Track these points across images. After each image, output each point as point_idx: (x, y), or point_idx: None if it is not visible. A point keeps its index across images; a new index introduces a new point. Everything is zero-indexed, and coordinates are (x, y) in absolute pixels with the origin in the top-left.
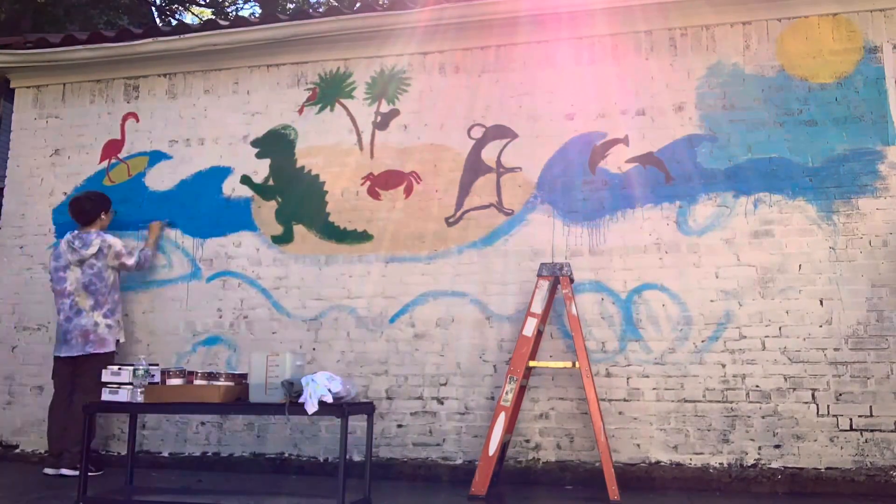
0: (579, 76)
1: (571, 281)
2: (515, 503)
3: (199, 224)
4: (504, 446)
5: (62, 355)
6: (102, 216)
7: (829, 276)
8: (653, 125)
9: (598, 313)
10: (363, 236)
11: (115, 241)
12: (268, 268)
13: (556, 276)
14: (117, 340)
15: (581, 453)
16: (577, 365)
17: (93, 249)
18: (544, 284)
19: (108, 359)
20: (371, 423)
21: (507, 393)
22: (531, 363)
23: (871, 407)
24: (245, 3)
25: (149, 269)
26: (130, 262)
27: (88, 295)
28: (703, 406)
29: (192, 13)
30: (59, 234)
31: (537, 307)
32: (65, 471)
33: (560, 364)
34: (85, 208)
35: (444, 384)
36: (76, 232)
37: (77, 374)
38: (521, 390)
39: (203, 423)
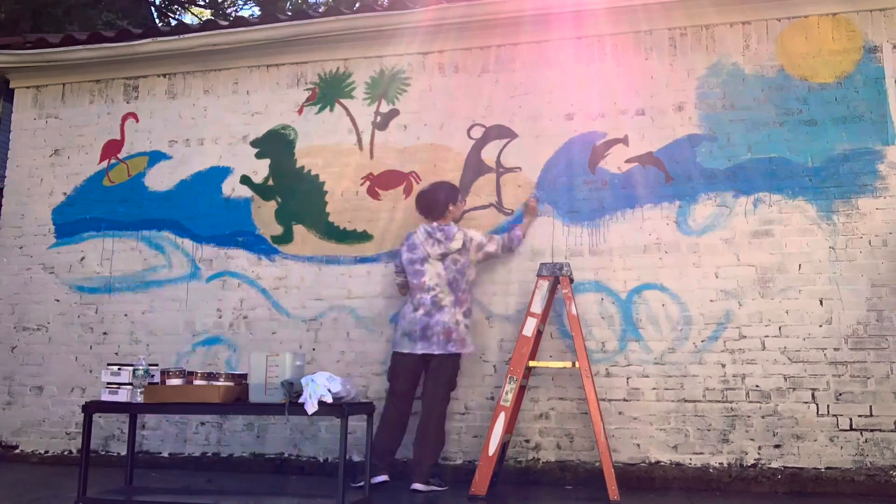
0: (579, 76)
1: (571, 281)
2: (515, 503)
3: (198, 224)
4: (504, 446)
5: (419, 352)
6: (451, 207)
7: (829, 275)
8: (652, 125)
9: (598, 313)
10: (363, 236)
11: (475, 233)
12: (267, 268)
13: (556, 276)
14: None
15: (581, 453)
16: (576, 365)
17: (457, 244)
18: (544, 284)
19: (459, 361)
20: (371, 423)
21: (506, 393)
22: (531, 363)
23: (871, 407)
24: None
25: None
26: (493, 248)
27: (451, 292)
28: (703, 406)
29: (192, 13)
30: (59, 234)
31: (537, 307)
32: (417, 485)
33: (560, 364)
34: (439, 199)
35: None
36: (434, 224)
37: (431, 376)
38: (521, 390)
39: (203, 424)
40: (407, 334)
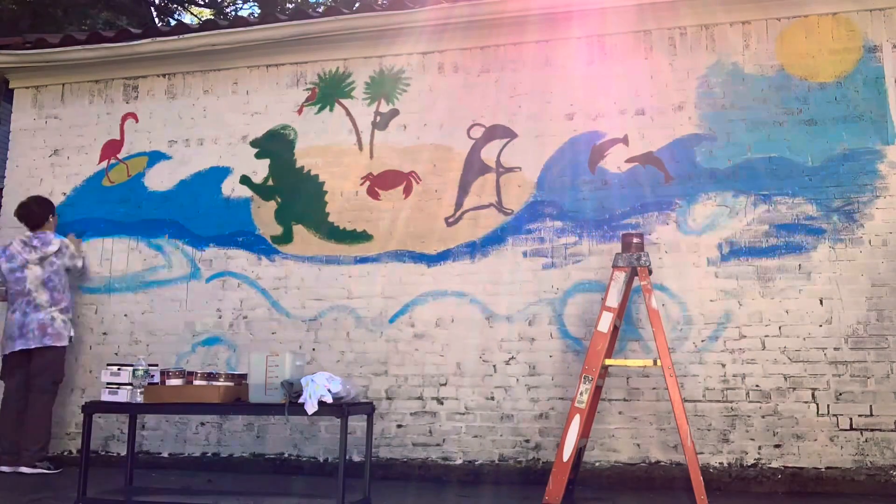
0: (579, 76)
1: (650, 272)
2: None
3: (198, 224)
4: (580, 451)
5: (17, 349)
6: (50, 218)
7: (828, 275)
8: (652, 125)
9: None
10: (363, 236)
11: (69, 243)
12: (267, 268)
13: (634, 267)
14: (70, 336)
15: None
16: (658, 363)
17: (53, 248)
18: (620, 276)
19: (62, 353)
20: (371, 423)
21: (581, 394)
22: (608, 361)
23: (871, 406)
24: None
25: (83, 280)
26: (80, 263)
27: (46, 291)
28: (703, 406)
29: (192, 13)
30: (59, 234)
31: (613, 300)
32: (24, 469)
33: (640, 362)
34: (34, 211)
35: (444, 384)
36: (30, 234)
37: (33, 371)
38: (597, 391)
39: (203, 424)
40: (8, 336)
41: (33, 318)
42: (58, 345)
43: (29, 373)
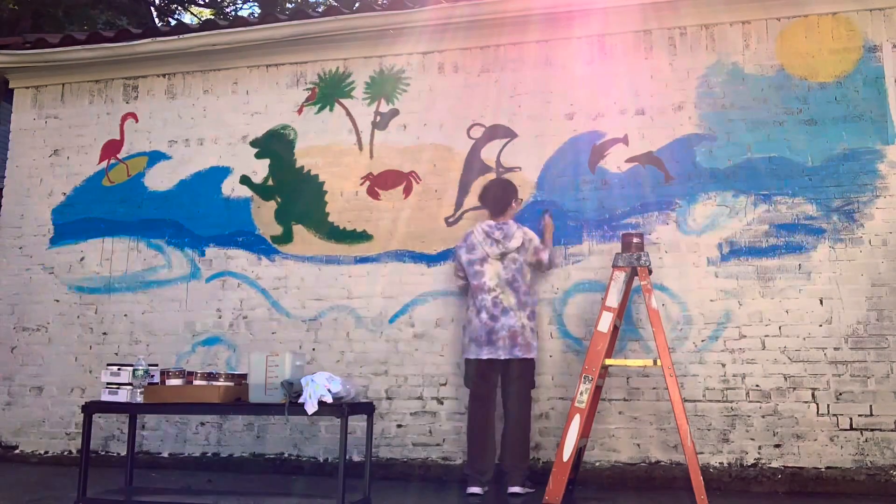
0: (579, 76)
1: (650, 272)
2: None
3: (198, 224)
4: (580, 451)
5: (485, 357)
6: (513, 204)
7: (828, 275)
8: (652, 125)
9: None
10: (363, 236)
11: (534, 235)
12: (267, 268)
13: (634, 267)
14: (536, 347)
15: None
16: (658, 363)
17: (516, 242)
18: (620, 276)
19: (533, 365)
20: (371, 423)
21: (581, 394)
22: (608, 361)
23: (871, 406)
24: (244, 3)
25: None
26: (546, 256)
27: (512, 292)
28: (703, 405)
29: (191, 13)
30: (59, 234)
31: (613, 300)
32: (516, 489)
33: (640, 362)
34: (498, 196)
35: (444, 384)
36: (492, 222)
37: (507, 381)
38: (597, 390)
39: (203, 424)
40: (474, 339)
41: (503, 323)
42: (528, 356)
43: (503, 381)
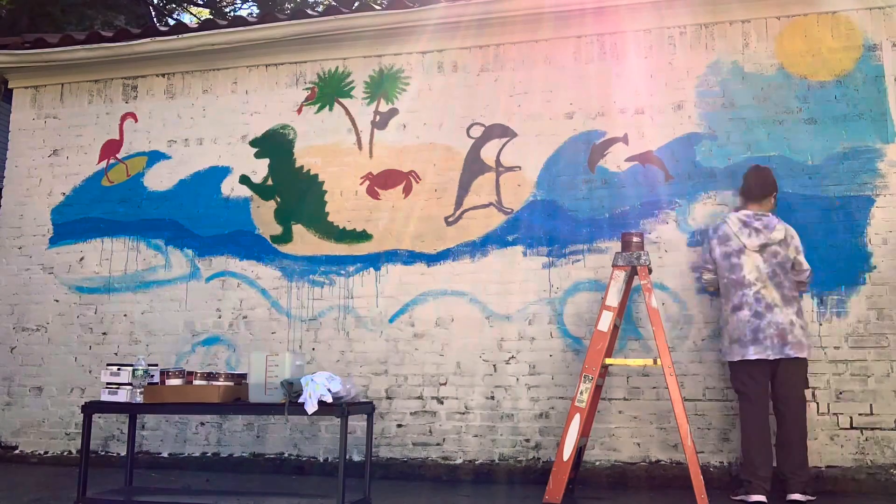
0: (578, 75)
1: (650, 271)
2: None
3: (198, 224)
4: (580, 451)
5: (752, 357)
6: (772, 198)
7: (828, 274)
8: (652, 124)
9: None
10: (362, 236)
11: (797, 234)
12: (267, 268)
13: (634, 266)
14: (809, 347)
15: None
16: (658, 362)
17: (779, 234)
18: (620, 275)
19: (805, 364)
20: (371, 422)
21: (581, 393)
22: (608, 360)
23: (871, 405)
24: (243, 2)
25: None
26: (807, 265)
27: (773, 287)
28: (703, 405)
29: (191, 13)
30: (58, 234)
31: (613, 300)
32: (797, 496)
33: (640, 362)
34: (754, 184)
35: (444, 384)
36: (748, 212)
37: (778, 383)
38: (597, 390)
39: (202, 424)
40: (737, 339)
41: (769, 320)
42: (800, 355)
43: (774, 383)
